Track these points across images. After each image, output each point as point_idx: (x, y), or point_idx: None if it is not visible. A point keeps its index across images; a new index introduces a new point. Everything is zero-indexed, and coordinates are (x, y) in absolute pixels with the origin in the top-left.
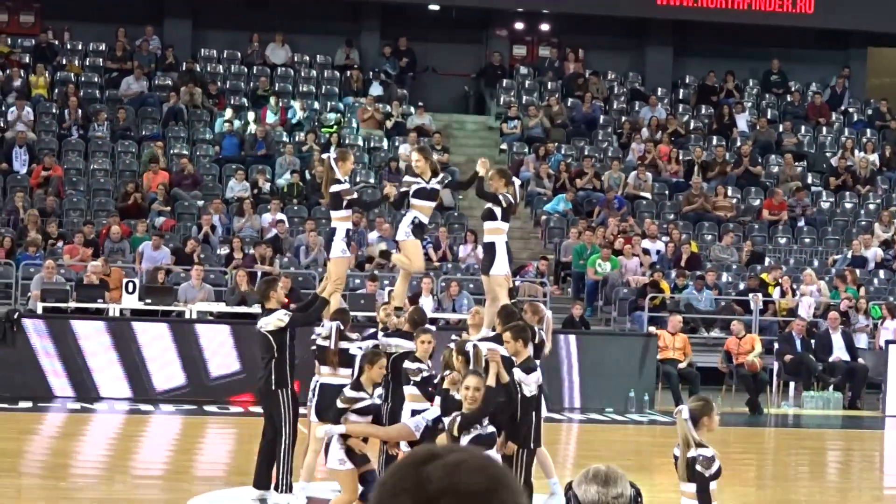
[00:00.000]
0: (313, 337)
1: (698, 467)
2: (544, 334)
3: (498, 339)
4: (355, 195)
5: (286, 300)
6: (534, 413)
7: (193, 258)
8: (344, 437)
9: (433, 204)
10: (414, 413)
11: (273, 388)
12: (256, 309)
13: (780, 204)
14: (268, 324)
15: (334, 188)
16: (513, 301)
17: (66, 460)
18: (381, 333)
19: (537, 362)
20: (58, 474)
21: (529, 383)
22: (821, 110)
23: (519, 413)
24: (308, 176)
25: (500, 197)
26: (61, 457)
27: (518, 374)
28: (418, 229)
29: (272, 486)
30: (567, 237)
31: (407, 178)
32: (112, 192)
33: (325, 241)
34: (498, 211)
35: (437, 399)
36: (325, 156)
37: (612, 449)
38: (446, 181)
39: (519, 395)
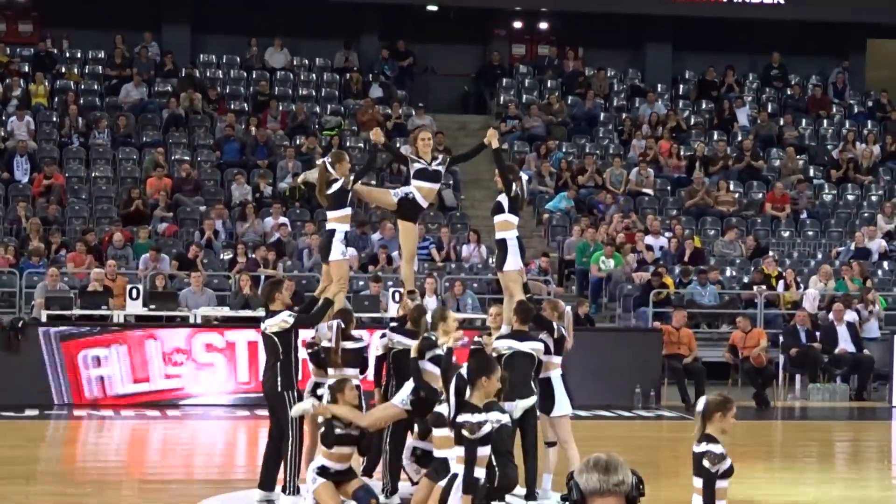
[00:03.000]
0: (309, 341)
1: (705, 462)
2: (564, 330)
3: (516, 336)
4: (351, 178)
5: (290, 302)
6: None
7: (197, 263)
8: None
9: (435, 186)
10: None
11: (279, 390)
12: (260, 312)
13: (783, 197)
14: (273, 325)
15: (332, 188)
16: (528, 296)
17: (73, 466)
18: (388, 329)
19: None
20: (65, 481)
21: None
22: (821, 103)
23: None
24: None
25: (514, 185)
26: (68, 463)
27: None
28: (412, 205)
29: (280, 487)
30: (570, 235)
31: (410, 156)
32: (114, 199)
33: (322, 244)
34: (505, 203)
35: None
36: (319, 161)
37: (619, 444)
38: (448, 161)
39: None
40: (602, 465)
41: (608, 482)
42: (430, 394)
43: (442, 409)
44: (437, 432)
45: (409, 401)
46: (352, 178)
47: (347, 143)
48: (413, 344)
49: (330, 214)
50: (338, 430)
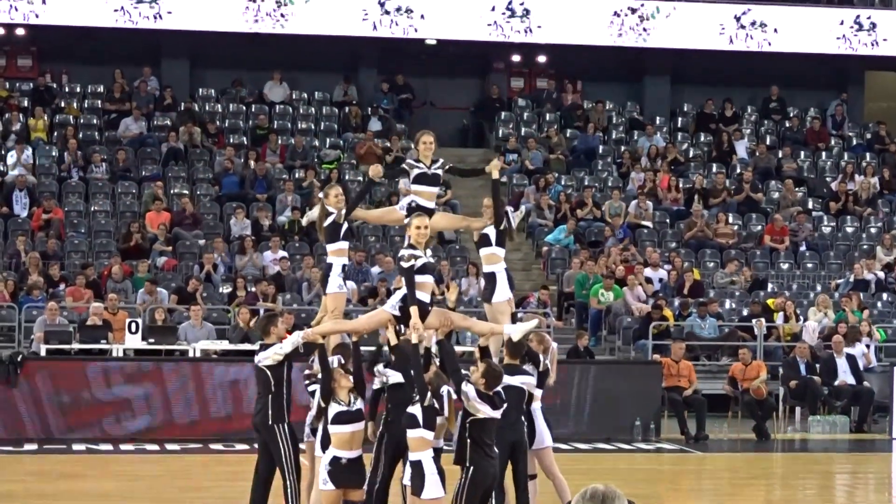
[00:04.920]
0: (306, 372)
1: None
2: (549, 364)
3: (507, 370)
4: (342, 211)
5: (286, 335)
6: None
7: (196, 297)
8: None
9: (434, 189)
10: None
11: (270, 423)
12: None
13: (782, 229)
14: (266, 358)
15: (326, 221)
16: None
17: (71, 502)
18: (381, 364)
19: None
20: None
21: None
22: (820, 135)
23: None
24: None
25: (507, 216)
26: (67, 499)
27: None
28: (420, 210)
29: None
30: (569, 267)
31: (409, 161)
32: (113, 233)
33: (321, 276)
34: (493, 235)
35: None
36: (320, 195)
37: (619, 477)
38: (447, 166)
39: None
40: (599, 497)
41: None
42: (422, 304)
43: (415, 410)
44: (411, 433)
45: (398, 306)
46: (343, 211)
47: (346, 177)
48: (397, 377)
49: (328, 247)
50: (341, 408)
